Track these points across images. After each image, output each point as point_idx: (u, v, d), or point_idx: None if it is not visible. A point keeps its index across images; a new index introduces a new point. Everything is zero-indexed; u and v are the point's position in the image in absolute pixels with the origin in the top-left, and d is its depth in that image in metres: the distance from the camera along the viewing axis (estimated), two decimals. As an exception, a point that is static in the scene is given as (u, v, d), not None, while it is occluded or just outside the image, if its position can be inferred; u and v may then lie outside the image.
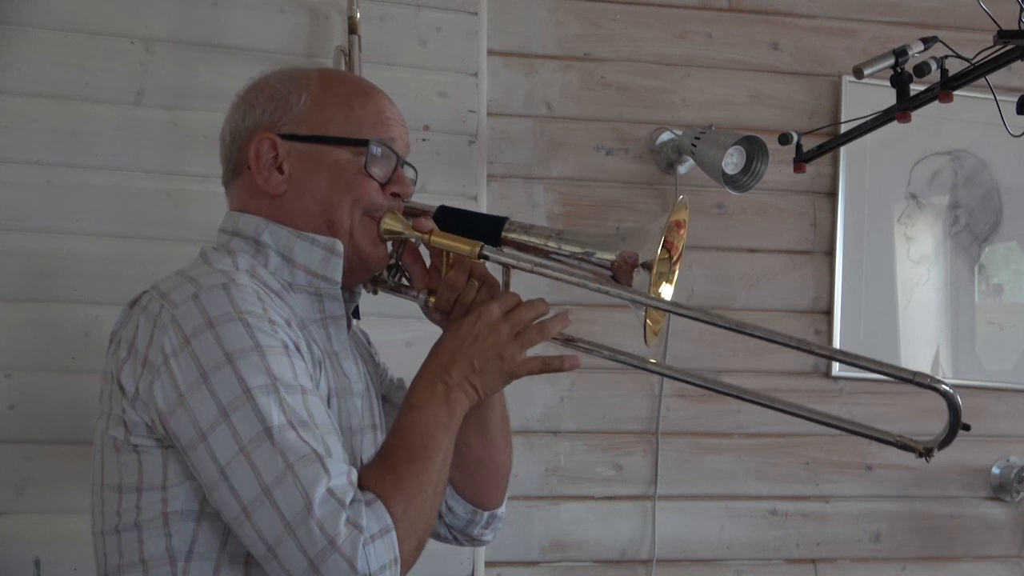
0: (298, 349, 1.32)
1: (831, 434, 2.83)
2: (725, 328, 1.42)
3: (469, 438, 1.53)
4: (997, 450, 2.90)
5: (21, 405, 2.26)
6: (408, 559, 1.26)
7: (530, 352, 1.43)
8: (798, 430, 2.82)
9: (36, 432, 2.26)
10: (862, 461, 2.86)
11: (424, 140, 2.53)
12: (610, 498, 2.72)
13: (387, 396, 1.66)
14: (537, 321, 1.42)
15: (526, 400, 2.61)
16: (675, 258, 1.51)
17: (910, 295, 2.91)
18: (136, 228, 2.34)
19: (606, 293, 1.43)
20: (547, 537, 2.68)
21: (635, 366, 1.52)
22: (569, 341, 1.47)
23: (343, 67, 2.39)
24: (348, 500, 1.22)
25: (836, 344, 2.82)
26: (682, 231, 1.50)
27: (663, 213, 1.45)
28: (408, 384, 1.68)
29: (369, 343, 1.70)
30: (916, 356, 2.88)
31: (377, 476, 1.30)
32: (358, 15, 2.41)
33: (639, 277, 1.42)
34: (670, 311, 1.45)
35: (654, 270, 1.40)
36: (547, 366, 1.43)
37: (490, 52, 2.63)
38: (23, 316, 2.28)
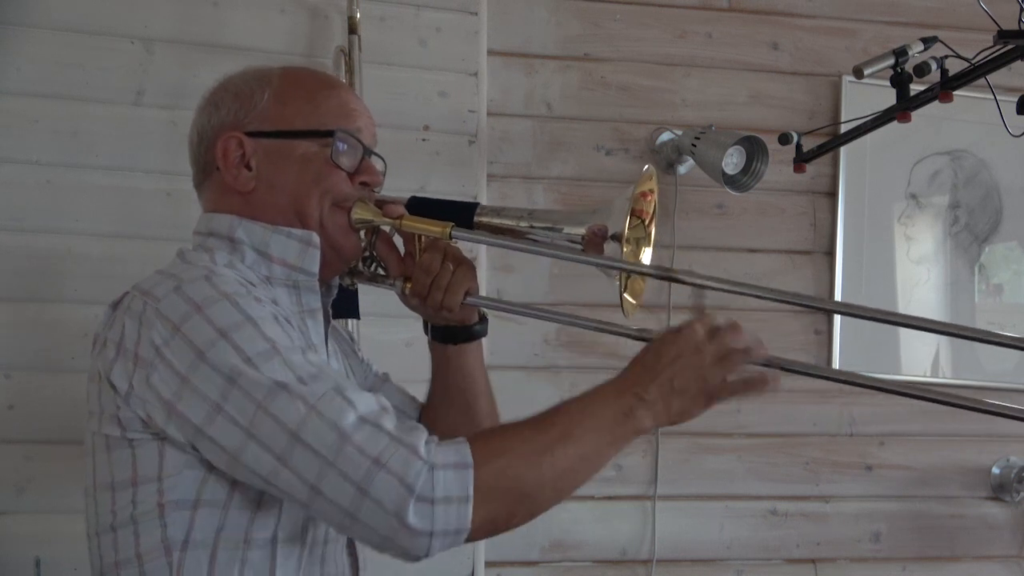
0: (288, 322, 1.33)
1: (831, 434, 2.84)
2: (714, 289, 1.42)
3: (457, 426, 1.52)
4: (997, 450, 2.90)
5: (21, 405, 2.26)
6: (486, 511, 1.21)
7: None
8: (798, 430, 2.82)
9: (36, 432, 2.26)
10: (862, 461, 2.86)
11: (424, 140, 2.53)
12: (610, 498, 2.71)
13: (372, 390, 1.65)
14: (742, 345, 1.35)
15: (526, 400, 2.59)
16: (648, 221, 1.50)
17: (910, 295, 2.91)
18: (136, 228, 2.34)
19: (580, 262, 1.45)
20: (547, 537, 2.68)
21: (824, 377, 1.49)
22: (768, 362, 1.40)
23: (343, 67, 2.39)
24: (386, 423, 1.20)
25: (836, 344, 2.82)
26: (650, 198, 1.50)
27: (629, 185, 1.46)
28: (404, 386, 1.70)
29: (352, 339, 1.70)
30: (916, 356, 2.88)
31: (488, 430, 1.30)
32: (358, 15, 2.41)
33: (610, 248, 1.42)
34: (644, 273, 1.45)
35: (624, 238, 1.40)
36: (749, 387, 1.35)
37: (490, 52, 2.63)
38: (23, 316, 2.28)
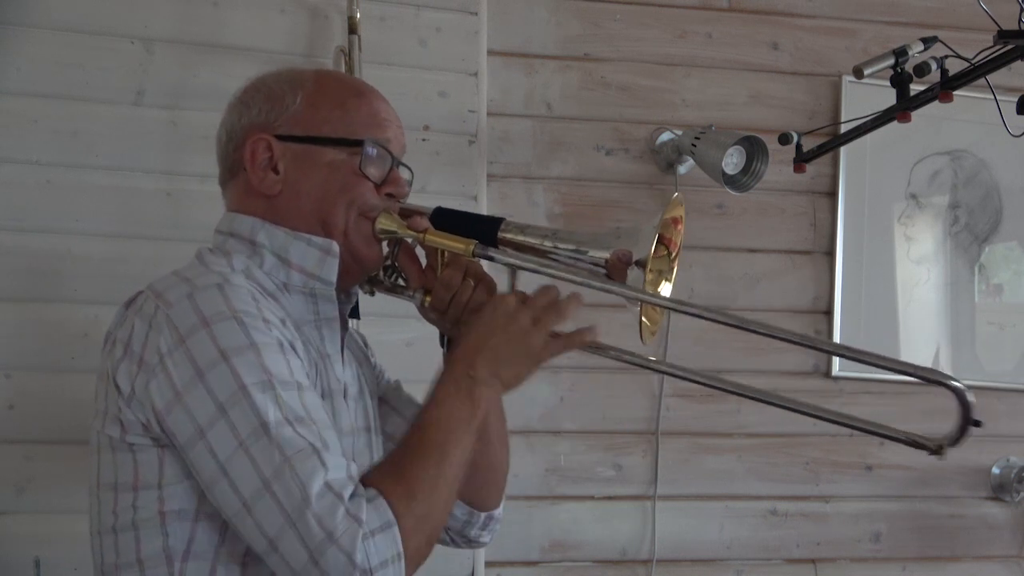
0: (293, 348, 1.33)
1: (831, 434, 2.84)
2: (724, 324, 1.43)
3: None
4: (997, 450, 2.90)
5: (21, 405, 2.26)
6: (415, 555, 1.25)
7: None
8: (798, 430, 2.82)
9: (36, 432, 2.26)
10: (862, 461, 2.86)
11: (424, 140, 2.53)
12: (610, 498, 2.72)
13: (384, 398, 1.66)
14: (552, 303, 1.39)
15: (526, 400, 2.61)
16: (674, 255, 1.51)
17: (910, 295, 2.91)
18: (136, 228, 2.34)
19: (601, 290, 1.43)
20: (547, 537, 2.68)
21: (642, 366, 1.52)
22: (592, 347, 1.44)
23: (343, 67, 2.39)
24: (347, 494, 1.21)
25: (836, 344, 2.82)
26: (679, 227, 1.50)
27: (659, 211, 1.45)
28: (404, 386, 1.70)
29: (366, 345, 1.70)
30: (916, 356, 2.88)
31: (384, 472, 1.30)
32: (358, 15, 2.41)
33: (633, 275, 1.41)
34: (664, 306, 1.46)
35: (648, 267, 1.40)
36: (570, 343, 1.40)
37: (490, 52, 2.63)
38: (23, 316, 2.28)
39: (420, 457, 1.29)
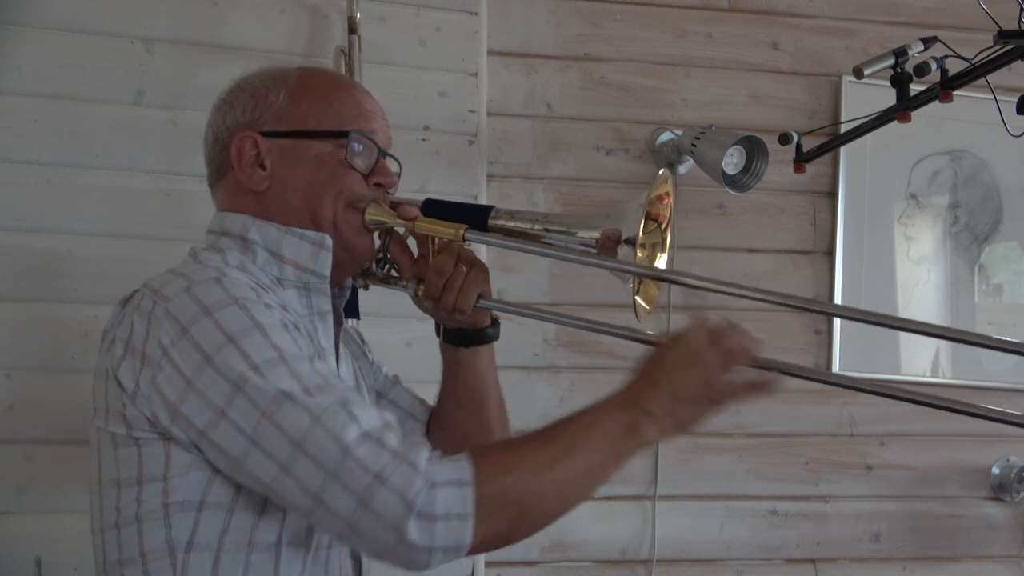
0: (297, 328, 1.33)
1: (831, 434, 2.84)
2: (721, 292, 1.42)
3: (468, 430, 1.54)
4: (997, 450, 2.90)
5: (21, 405, 2.26)
6: (487, 523, 1.21)
7: None
8: (798, 430, 2.82)
9: (36, 432, 2.25)
10: (862, 461, 2.86)
11: (424, 140, 2.53)
12: (610, 498, 2.71)
13: (382, 392, 1.66)
14: (742, 346, 1.34)
15: (526, 400, 2.61)
16: (664, 225, 1.51)
17: (910, 295, 2.91)
18: (136, 228, 2.34)
19: (593, 265, 1.44)
20: (547, 537, 2.67)
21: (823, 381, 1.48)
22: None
23: (343, 67, 2.39)
24: (389, 439, 1.20)
25: (836, 344, 2.82)
26: (666, 201, 1.50)
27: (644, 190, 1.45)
28: (404, 381, 1.71)
29: (362, 341, 1.70)
30: (916, 356, 2.88)
31: (491, 445, 1.30)
32: (358, 15, 2.41)
33: (623, 252, 1.42)
34: (656, 277, 1.46)
35: (638, 243, 1.41)
36: (753, 389, 1.34)
37: (490, 52, 2.63)
38: (23, 316, 2.28)
39: (539, 443, 1.28)
